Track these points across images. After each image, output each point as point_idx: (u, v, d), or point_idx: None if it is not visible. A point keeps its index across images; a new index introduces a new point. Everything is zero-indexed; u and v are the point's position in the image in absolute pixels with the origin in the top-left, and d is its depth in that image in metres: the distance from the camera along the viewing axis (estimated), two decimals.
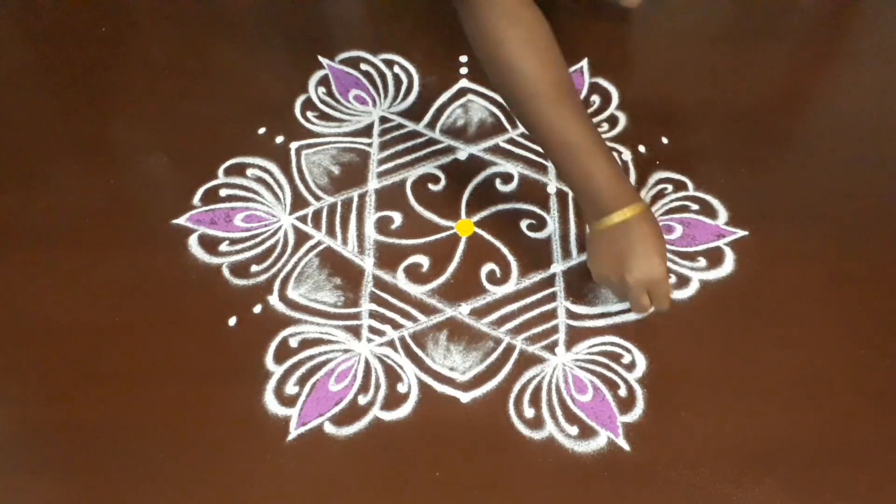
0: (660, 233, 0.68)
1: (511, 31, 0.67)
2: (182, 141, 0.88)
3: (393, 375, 0.73)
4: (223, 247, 0.80)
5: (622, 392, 0.71)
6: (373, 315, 0.76)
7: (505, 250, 0.80)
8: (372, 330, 0.75)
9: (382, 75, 0.93)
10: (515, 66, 0.67)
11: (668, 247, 0.79)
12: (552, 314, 0.76)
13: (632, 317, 0.75)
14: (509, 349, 0.74)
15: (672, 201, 0.82)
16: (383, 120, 0.89)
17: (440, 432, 0.69)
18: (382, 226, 0.81)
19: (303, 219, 0.82)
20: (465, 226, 0.81)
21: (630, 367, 0.73)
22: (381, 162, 0.86)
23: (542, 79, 0.67)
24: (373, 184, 0.84)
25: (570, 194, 0.83)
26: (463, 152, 0.87)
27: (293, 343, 0.74)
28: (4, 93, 0.93)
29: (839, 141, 0.87)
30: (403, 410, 0.71)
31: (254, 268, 0.79)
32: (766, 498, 0.66)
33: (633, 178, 0.84)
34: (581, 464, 0.68)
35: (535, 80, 0.67)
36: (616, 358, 0.73)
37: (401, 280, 0.78)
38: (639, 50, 0.97)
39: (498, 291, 0.77)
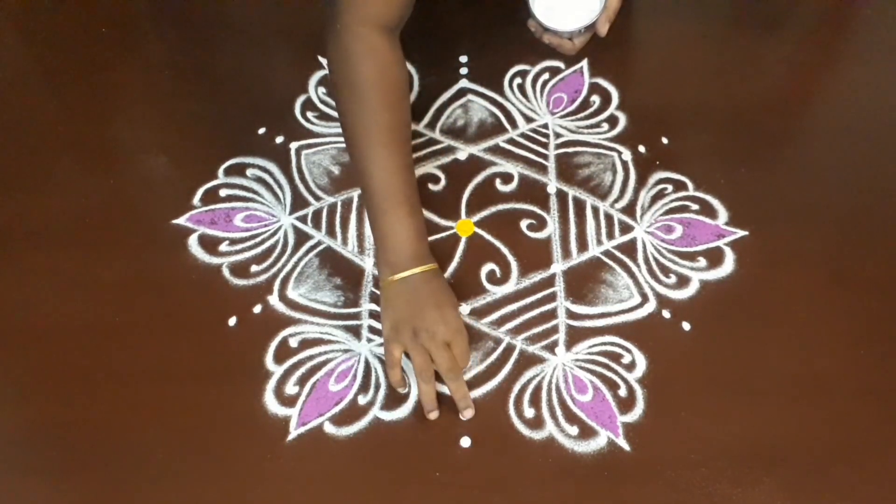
0: (450, 290, 0.71)
1: (367, 58, 0.68)
2: (182, 141, 0.88)
3: None
4: (223, 247, 0.80)
5: (622, 392, 0.71)
6: (373, 315, 0.76)
7: (505, 250, 0.80)
8: (372, 330, 0.75)
9: None
10: (361, 97, 0.69)
11: (668, 247, 0.79)
12: (552, 314, 0.76)
13: (632, 317, 0.75)
14: (509, 349, 0.74)
15: (672, 201, 0.82)
16: None
17: (440, 432, 0.69)
18: None
19: (303, 219, 0.82)
20: (465, 226, 0.81)
21: (630, 367, 0.73)
22: None
23: (382, 118, 0.69)
24: None
25: (570, 194, 0.83)
26: (463, 152, 0.87)
27: (293, 343, 0.74)
28: (4, 93, 0.93)
29: (839, 141, 0.87)
30: (403, 410, 0.71)
31: (254, 268, 0.79)
32: (766, 498, 0.66)
33: (632, 178, 0.84)
34: (581, 464, 0.68)
35: (374, 117, 0.69)
36: (616, 358, 0.73)
37: None
38: (639, 50, 0.97)
39: (498, 291, 0.77)
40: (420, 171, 0.85)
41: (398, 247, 0.70)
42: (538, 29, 0.78)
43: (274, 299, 0.77)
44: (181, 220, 0.82)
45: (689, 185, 0.83)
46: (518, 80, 0.92)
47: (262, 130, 0.88)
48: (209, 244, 0.80)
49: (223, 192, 0.84)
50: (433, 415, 0.69)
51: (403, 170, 0.70)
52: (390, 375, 0.70)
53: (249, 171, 0.85)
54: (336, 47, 0.70)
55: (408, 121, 0.72)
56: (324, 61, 0.91)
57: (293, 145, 0.87)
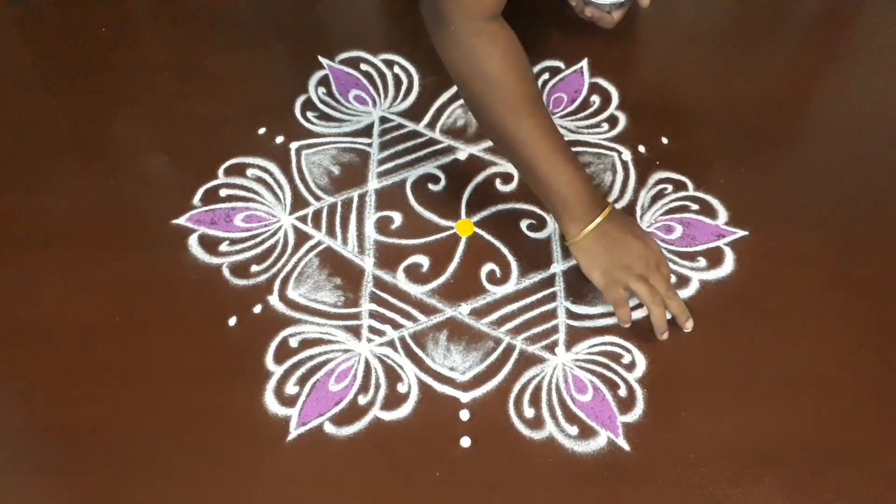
0: (633, 218, 0.78)
1: (490, 48, 0.70)
2: (182, 141, 0.88)
3: (393, 375, 0.73)
4: (223, 247, 0.80)
5: (622, 392, 0.71)
6: (373, 315, 0.76)
7: (505, 250, 0.80)
8: (372, 330, 0.75)
9: (382, 75, 0.93)
10: (496, 83, 0.70)
11: (668, 247, 0.79)
12: (552, 314, 0.76)
13: (632, 317, 0.75)
14: (509, 349, 0.74)
15: (672, 201, 0.82)
16: (383, 120, 0.89)
17: (440, 432, 0.69)
18: (382, 226, 0.82)
19: (303, 219, 0.82)
20: (465, 226, 0.81)
21: (630, 367, 0.73)
22: (381, 162, 0.86)
23: (519, 93, 0.70)
24: (373, 184, 0.84)
25: None
26: (463, 152, 0.87)
27: (293, 343, 0.74)
28: (4, 93, 0.93)
29: (839, 141, 0.87)
30: (403, 410, 0.71)
31: (254, 268, 0.79)
32: (766, 498, 0.66)
33: (632, 178, 0.84)
34: (581, 464, 0.68)
35: (513, 95, 0.70)
36: (616, 358, 0.73)
37: (401, 280, 0.78)
38: (639, 50, 0.97)
39: (498, 291, 0.77)
40: (420, 171, 0.85)
41: (579, 201, 0.71)
42: (579, 3, 0.79)
43: (274, 299, 0.77)
44: (181, 220, 0.82)
45: (689, 185, 0.83)
46: None
47: (262, 130, 0.88)
48: (209, 244, 0.80)
49: (223, 192, 0.84)
50: (665, 335, 0.73)
51: (555, 130, 0.72)
52: (622, 315, 0.73)
53: (249, 171, 0.85)
54: (456, 46, 0.70)
55: (538, 88, 0.75)
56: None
57: (293, 145, 0.87)
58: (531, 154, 0.71)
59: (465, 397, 0.71)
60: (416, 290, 0.77)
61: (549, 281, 0.78)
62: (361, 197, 0.84)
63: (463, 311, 0.76)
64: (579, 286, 0.77)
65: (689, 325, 0.73)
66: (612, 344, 0.74)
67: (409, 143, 0.87)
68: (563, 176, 0.70)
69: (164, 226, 0.82)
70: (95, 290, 0.77)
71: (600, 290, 0.73)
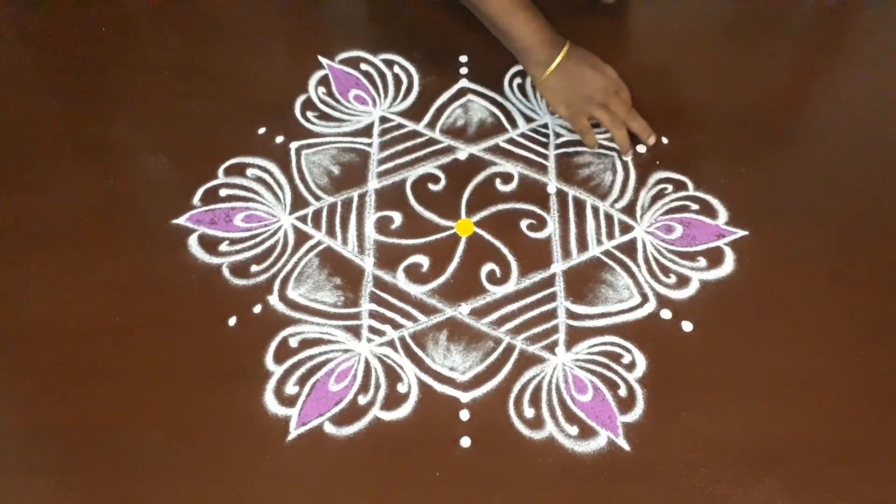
0: (589, 52, 0.82)
1: None
2: (182, 141, 0.88)
3: (393, 375, 0.73)
4: (223, 247, 0.80)
5: (622, 392, 0.71)
6: (373, 315, 0.76)
7: (505, 250, 0.80)
8: (372, 330, 0.75)
9: (382, 75, 0.93)
10: None
11: (668, 247, 0.79)
12: (552, 314, 0.76)
13: (632, 317, 0.75)
14: (509, 349, 0.74)
15: (672, 201, 0.82)
16: (383, 120, 0.89)
17: (440, 432, 0.69)
18: (382, 226, 0.82)
19: (303, 219, 0.82)
20: (465, 226, 0.81)
21: (630, 367, 0.73)
22: (381, 162, 0.86)
23: None
24: (373, 184, 0.84)
25: (570, 193, 0.83)
26: (463, 152, 0.87)
27: (293, 343, 0.74)
28: (4, 93, 0.93)
29: (839, 141, 0.87)
30: (403, 410, 0.71)
31: (254, 268, 0.79)
32: (766, 498, 0.66)
33: (632, 178, 0.84)
34: (581, 464, 0.68)
35: None
36: (616, 358, 0.73)
37: (401, 280, 0.78)
38: (639, 50, 0.97)
39: (498, 291, 0.77)
40: (420, 171, 0.85)
41: (538, 46, 0.79)
42: None
43: (274, 299, 0.77)
44: (181, 220, 0.82)
45: (689, 185, 0.83)
46: (518, 80, 0.92)
47: (262, 130, 0.88)
48: (209, 244, 0.80)
49: (223, 192, 0.84)
50: (630, 154, 0.84)
51: None
52: (588, 140, 0.83)
53: (249, 171, 0.85)
54: None
55: None
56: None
57: (293, 145, 0.87)
58: (491, 9, 0.78)
59: (465, 397, 0.71)
60: (416, 290, 0.77)
61: (549, 281, 0.78)
62: (361, 197, 0.84)
63: (463, 311, 0.76)
64: (579, 286, 0.77)
65: (651, 140, 0.83)
66: (612, 344, 0.74)
67: (409, 143, 0.87)
68: (522, 26, 0.78)
69: (164, 226, 0.82)
70: (95, 290, 0.78)
71: (567, 121, 0.82)
